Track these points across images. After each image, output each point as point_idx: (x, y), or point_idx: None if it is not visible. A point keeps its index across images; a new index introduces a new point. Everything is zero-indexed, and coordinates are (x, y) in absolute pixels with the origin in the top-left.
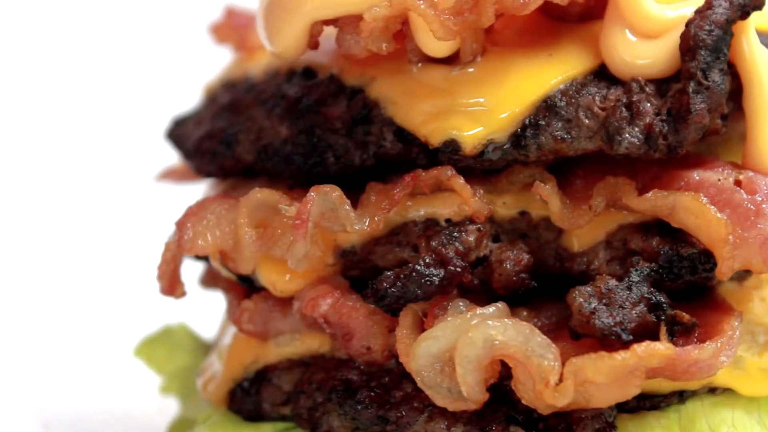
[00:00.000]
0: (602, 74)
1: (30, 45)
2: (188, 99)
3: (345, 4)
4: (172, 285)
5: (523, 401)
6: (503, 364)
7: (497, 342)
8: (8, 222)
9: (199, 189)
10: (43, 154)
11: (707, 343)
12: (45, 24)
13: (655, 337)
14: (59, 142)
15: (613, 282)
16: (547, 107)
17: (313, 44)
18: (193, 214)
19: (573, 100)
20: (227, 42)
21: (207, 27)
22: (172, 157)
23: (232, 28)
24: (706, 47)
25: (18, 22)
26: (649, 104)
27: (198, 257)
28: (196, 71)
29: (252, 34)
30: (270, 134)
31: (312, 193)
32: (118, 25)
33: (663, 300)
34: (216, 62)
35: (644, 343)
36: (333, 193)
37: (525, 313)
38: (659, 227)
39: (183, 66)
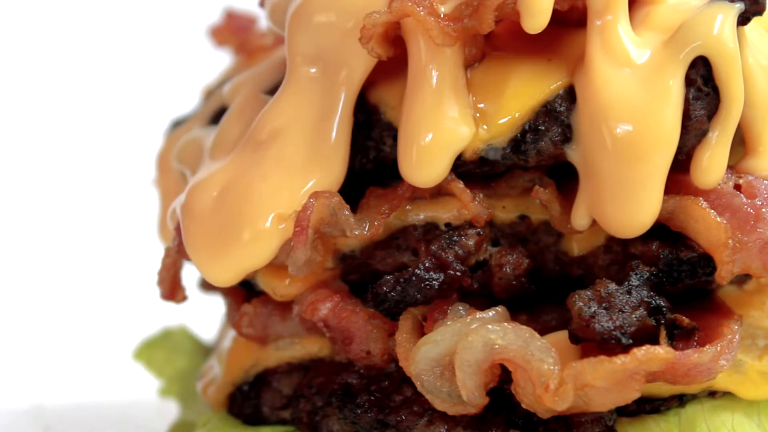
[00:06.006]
0: None
1: (30, 47)
2: (187, 101)
3: None
4: (172, 290)
5: (523, 405)
6: (503, 368)
7: (497, 346)
8: (8, 225)
9: None
10: (43, 157)
11: (707, 346)
12: (45, 26)
13: (654, 341)
14: (59, 144)
15: (612, 286)
16: (546, 112)
17: None
18: None
19: (572, 105)
20: (226, 45)
21: (206, 29)
22: None
23: (231, 31)
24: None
25: (18, 24)
26: None
27: None
28: (195, 73)
29: (251, 36)
30: None
31: (311, 200)
32: (118, 28)
33: (663, 304)
34: (215, 64)
35: (644, 347)
36: (332, 198)
37: (525, 317)
38: (659, 231)
39: (182, 68)
